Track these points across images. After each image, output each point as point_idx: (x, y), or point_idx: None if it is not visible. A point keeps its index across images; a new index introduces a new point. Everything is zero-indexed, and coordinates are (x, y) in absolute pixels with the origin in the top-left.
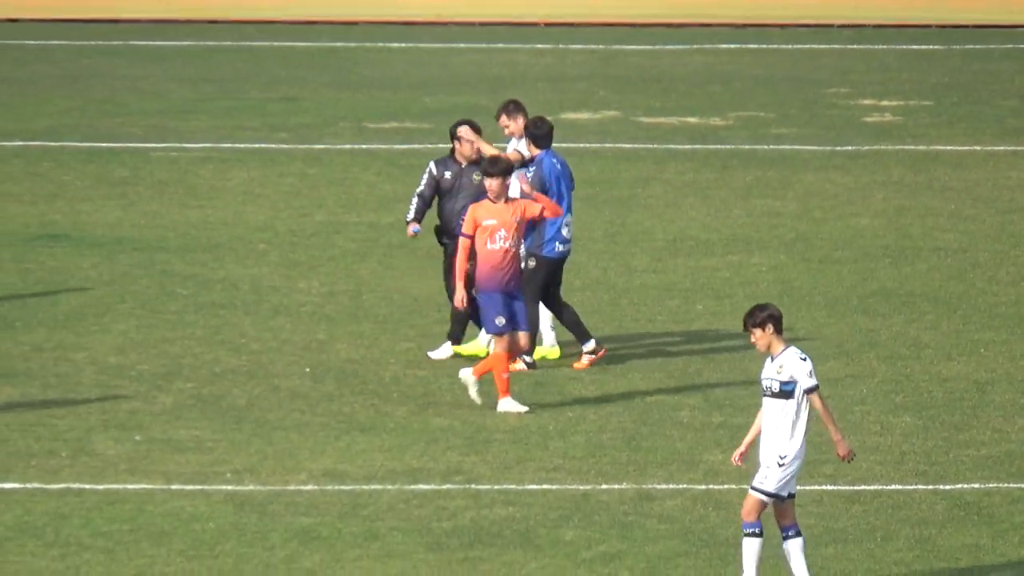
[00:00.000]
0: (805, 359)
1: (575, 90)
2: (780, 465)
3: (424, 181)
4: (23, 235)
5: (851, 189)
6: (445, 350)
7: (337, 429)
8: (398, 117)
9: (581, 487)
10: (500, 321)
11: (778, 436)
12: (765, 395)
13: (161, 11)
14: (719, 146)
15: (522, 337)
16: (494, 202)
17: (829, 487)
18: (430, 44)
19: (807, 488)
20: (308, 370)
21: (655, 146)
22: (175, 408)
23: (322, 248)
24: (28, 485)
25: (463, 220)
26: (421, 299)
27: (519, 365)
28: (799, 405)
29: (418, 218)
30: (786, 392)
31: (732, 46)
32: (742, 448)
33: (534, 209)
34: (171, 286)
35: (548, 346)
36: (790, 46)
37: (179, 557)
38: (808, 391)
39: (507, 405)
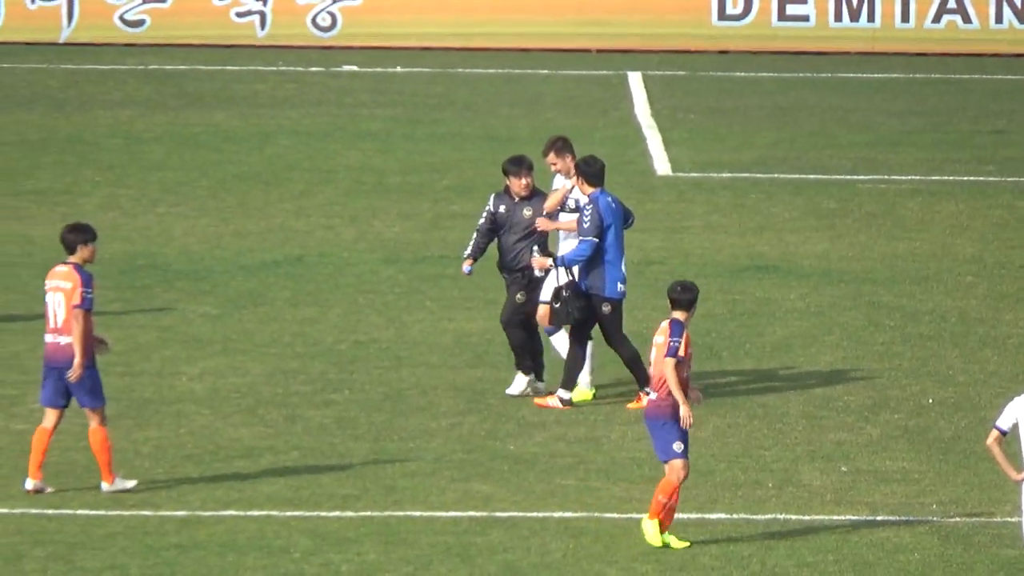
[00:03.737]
0: None
1: None
2: None
3: (483, 215)
4: (731, 266)
5: None
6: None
7: None
8: None
9: None
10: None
11: None
12: None
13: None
14: None
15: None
16: None
17: None
18: None
19: None
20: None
21: None
22: (882, 439)
23: None
24: (734, 516)
25: (518, 254)
26: None
27: (552, 400)
28: None
29: (474, 255)
30: None
31: None
32: None
33: None
34: (878, 318)
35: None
36: None
37: None
38: None
39: None
